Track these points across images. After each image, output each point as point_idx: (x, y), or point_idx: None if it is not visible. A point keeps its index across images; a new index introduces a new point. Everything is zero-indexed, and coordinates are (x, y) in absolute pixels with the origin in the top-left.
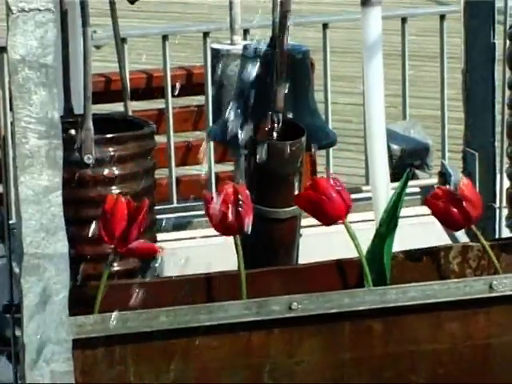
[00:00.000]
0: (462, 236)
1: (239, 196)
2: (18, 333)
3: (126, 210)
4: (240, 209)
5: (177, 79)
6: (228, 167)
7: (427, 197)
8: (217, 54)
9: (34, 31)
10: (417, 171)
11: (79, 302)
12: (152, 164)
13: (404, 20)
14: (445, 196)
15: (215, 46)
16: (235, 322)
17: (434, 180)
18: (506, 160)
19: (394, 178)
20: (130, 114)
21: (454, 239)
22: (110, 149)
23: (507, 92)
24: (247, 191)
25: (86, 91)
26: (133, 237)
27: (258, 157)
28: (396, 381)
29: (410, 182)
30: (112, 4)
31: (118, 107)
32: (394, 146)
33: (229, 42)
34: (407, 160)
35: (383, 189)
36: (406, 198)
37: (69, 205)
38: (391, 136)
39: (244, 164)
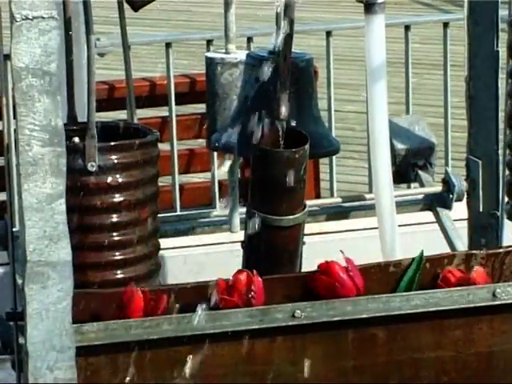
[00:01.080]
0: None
1: (252, 286)
2: (21, 340)
3: (143, 302)
4: (252, 299)
5: (180, 87)
6: None
7: (439, 282)
8: (211, 63)
9: (37, 39)
10: (420, 172)
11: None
12: (155, 171)
13: (407, 28)
14: (456, 280)
15: (209, 54)
16: (239, 330)
17: (439, 188)
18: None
19: (397, 177)
20: (135, 121)
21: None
22: (114, 156)
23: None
24: (259, 279)
25: (90, 99)
26: None
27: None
28: None
29: (415, 190)
30: (121, 12)
31: (120, 115)
32: (399, 146)
33: (223, 50)
34: (411, 159)
35: (387, 196)
36: (409, 204)
37: (72, 212)
38: (395, 132)
39: (239, 171)
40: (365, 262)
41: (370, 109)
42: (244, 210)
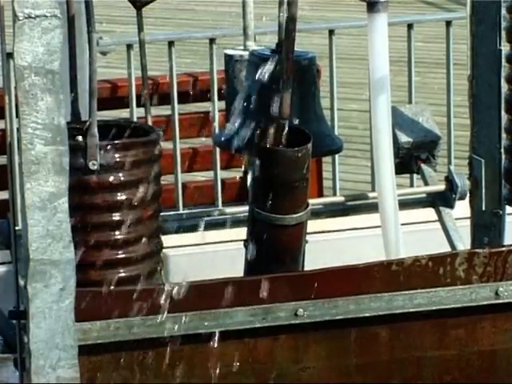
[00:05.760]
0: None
1: None
2: (24, 339)
3: None
4: None
5: (183, 85)
6: (234, 173)
7: None
8: (230, 60)
9: (40, 37)
10: (423, 166)
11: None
12: (158, 170)
13: (410, 26)
14: None
15: (229, 51)
16: (241, 329)
17: (441, 186)
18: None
19: (399, 167)
20: (149, 119)
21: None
22: (116, 155)
23: (506, 67)
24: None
25: (91, 97)
26: None
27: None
28: None
29: (417, 189)
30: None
31: (122, 113)
32: (402, 139)
33: (242, 47)
34: (414, 152)
35: (390, 195)
36: (412, 202)
37: (75, 211)
38: (399, 123)
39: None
40: (368, 261)
41: (373, 108)
42: (235, 209)
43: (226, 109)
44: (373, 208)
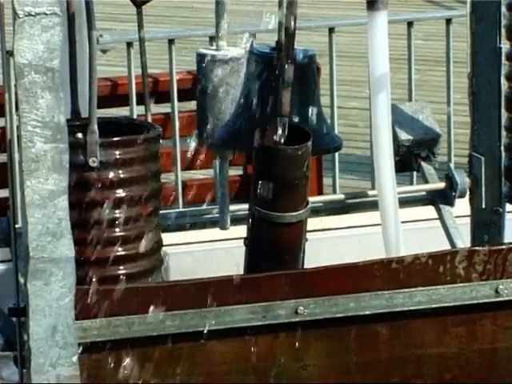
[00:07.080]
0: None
1: None
2: (24, 337)
3: None
4: None
5: (183, 83)
6: (234, 171)
7: None
8: (202, 60)
9: (40, 35)
10: (423, 164)
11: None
12: (158, 168)
13: (410, 24)
14: None
15: (200, 51)
16: (241, 327)
17: (441, 184)
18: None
19: (399, 165)
20: (149, 116)
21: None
22: (116, 152)
23: (506, 64)
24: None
25: (91, 95)
26: None
27: (263, 192)
28: None
29: (417, 186)
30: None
31: (123, 111)
32: (402, 136)
33: (215, 47)
34: (414, 150)
35: (389, 193)
36: (412, 200)
37: (74, 208)
38: (399, 121)
39: (226, 168)
40: (368, 259)
41: (373, 106)
42: (235, 207)
43: (197, 109)
44: (373, 206)
